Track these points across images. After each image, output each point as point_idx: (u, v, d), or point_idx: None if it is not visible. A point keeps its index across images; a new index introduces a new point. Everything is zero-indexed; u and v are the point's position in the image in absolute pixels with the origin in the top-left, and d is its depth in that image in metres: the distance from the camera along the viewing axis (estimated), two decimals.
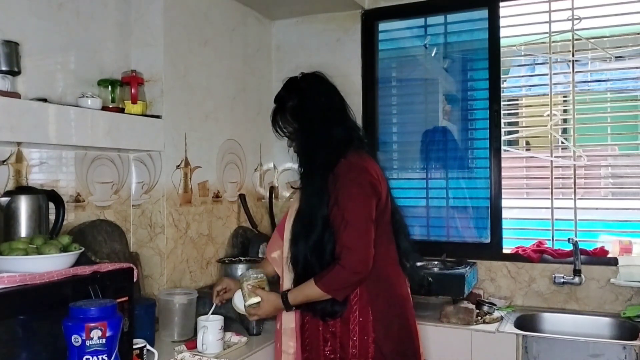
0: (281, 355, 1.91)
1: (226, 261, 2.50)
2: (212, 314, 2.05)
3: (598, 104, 2.97)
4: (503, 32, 2.91)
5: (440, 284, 2.56)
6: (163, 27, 2.35)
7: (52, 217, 1.86)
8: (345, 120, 1.89)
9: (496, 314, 2.59)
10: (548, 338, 2.36)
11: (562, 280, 2.70)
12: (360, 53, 3.11)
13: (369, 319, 1.77)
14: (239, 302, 1.91)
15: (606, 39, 2.88)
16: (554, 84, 2.91)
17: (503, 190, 2.92)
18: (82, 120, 1.92)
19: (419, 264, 2.72)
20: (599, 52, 2.84)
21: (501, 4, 2.89)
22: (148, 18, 2.36)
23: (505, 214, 2.93)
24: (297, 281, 1.81)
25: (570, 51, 2.88)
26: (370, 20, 3.14)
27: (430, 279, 2.54)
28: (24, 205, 1.75)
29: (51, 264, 1.46)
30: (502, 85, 2.94)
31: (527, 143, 3.42)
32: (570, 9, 2.85)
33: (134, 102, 2.17)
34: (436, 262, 2.82)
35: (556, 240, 2.88)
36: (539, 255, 2.80)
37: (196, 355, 1.90)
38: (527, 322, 2.62)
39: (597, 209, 2.87)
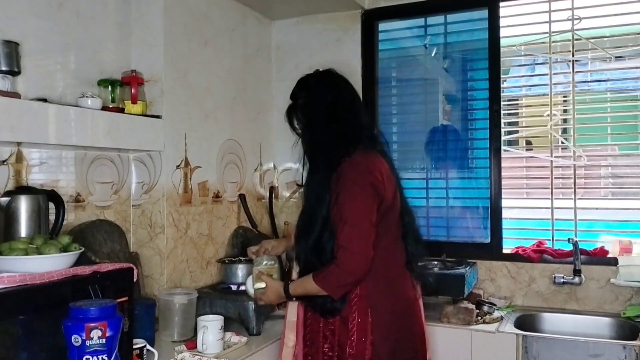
0: (282, 347, 1.93)
1: (226, 261, 2.50)
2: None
3: (598, 104, 2.97)
4: (503, 32, 2.91)
5: (440, 284, 2.55)
6: (163, 27, 2.35)
7: (52, 217, 1.86)
8: (354, 118, 1.87)
9: (496, 314, 2.59)
10: (548, 338, 2.36)
11: (562, 280, 2.70)
12: (360, 53, 3.11)
13: (368, 320, 1.75)
14: (249, 286, 1.98)
15: (606, 39, 2.88)
16: (554, 84, 2.91)
17: (503, 190, 2.92)
18: (82, 120, 1.92)
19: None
20: (599, 52, 2.84)
21: (501, 4, 2.89)
22: (148, 18, 2.36)
23: (505, 214, 2.93)
24: (300, 276, 1.84)
25: (570, 51, 2.88)
26: (370, 20, 3.14)
27: (430, 279, 2.54)
28: (24, 205, 1.75)
29: (51, 264, 1.46)
30: (502, 85, 2.94)
31: (529, 143, 3.42)
32: (570, 9, 2.85)
33: (134, 102, 2.17)
34: (436, 262, 2.82)
35: (556, 240, 2.88)
36: (539, 255, 2.80)
37: (196, 355, 1.90)
38: (527, 322, 2.62)
39: (597, 209, 2.87)
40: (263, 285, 1.92)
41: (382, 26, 3.19)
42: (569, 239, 2.70)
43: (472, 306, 2.52)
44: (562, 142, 2.91)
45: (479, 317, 2.53)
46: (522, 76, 3.22)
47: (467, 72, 3.17)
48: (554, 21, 2.89)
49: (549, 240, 2.89)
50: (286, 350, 1.91)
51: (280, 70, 3.24)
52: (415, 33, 3.22)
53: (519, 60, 3.18)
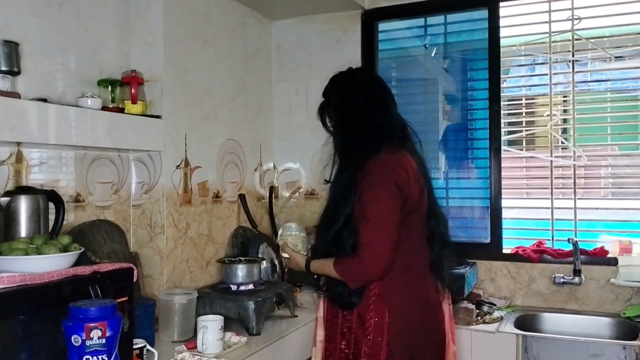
0: (315, 342, 1.94)
1: (226, 261, 2.50)
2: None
3: (598, 104, 2.97)
4: (503, 32, 2.91)
5: None
6: (163, 27, 2.35)
7: (52, 217, 1.86)
8: (386, 117, 1.86)
9: (496, 314, 2.59)
10: (548, 338, 2.36)
11: (562, 280, 2.70)
12: (360, 53, 3.11)
13: (385, 320, 1.72)
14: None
15: (606, 39, 2.89)
16: (554, 84, 2.91)
17: (503, 190, 2.92)
18: (82, 120, 1.92)
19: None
20: (599, 52, 2.85)
21: (501, 4, 2.89)
22: (148, 18, 2.36)
23: (505, 214, 2.93)
24: None
25: (570, 51, 2.88)
26: (370, 20, 3.14)
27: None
28: (24, 205, 1.75)
29: (51, 264, 1.46)
30: (502, 85, 2.94)
31: (532, 143, 3.42)
32: (570, 9, 2.85)
33: (134, 102, 2.17)
34: None
35: (556, 240, 2.88)
36: (539, 255, 2.80)
37: (196, 355, 1.90)
38: (527, 322, 2.62)
39: (597, 209, 2.88)
40: (286, 256, 2.01)
41: (382, 26, 3.19)
42: (569, 239, 2.70)
43: (472, 306, 2.52)
44: (562, 142, 2.91)
45: (479, 317, 2.53)
46: (522, 76, 3.22)
47: (467, 72, 3.17)
48: (554, 21, 2.89)
49: (549, 240, 2.89)
50: (318, 346, 1.91)
51: (280, 70, 3.24)
52: (415, 33, 3.23)
53: (519, 60, 3.18)
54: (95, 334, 1.30)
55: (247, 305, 2.23)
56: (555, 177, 2.91)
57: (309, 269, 1.88)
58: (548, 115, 2.89)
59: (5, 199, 1.74)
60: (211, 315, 2.10)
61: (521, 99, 3.18)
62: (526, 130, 3.03)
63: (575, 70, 2.87)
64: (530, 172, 3.11)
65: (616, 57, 2.84)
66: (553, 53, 2.89)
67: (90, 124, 1.95)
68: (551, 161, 2.89)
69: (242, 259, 2.53)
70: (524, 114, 3.13)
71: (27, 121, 1.73)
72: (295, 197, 3.22)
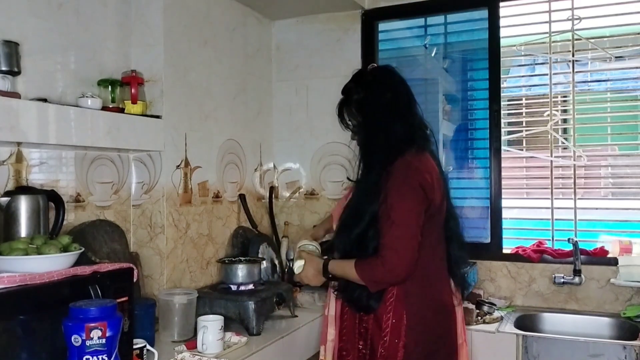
0: (325, 341, 1.93)
1: (226, 261, 2.50)
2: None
3: (598, 104, 2.97)
4: (503, 32, 2.91)
5: None
6: (163, 27, 2.35)
7: (52, 217, 1.86)
8: (411, 117, 1.85)
9: (496, 314, 2.59)
10: (548, 338, 2.36)
11: (562, 280, 2.70)
12: (360, 53, 3.11)
13: (403, 322, 1.72)
14: (295, 268, 2.02)
15: (606, 39, 2.89)
16: (554, 84, 2.91)
17: (503, 190, 2.92)
18: (82, 120, 1.92)
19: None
20: (599, 52, 2.85)
21: (501, 4, 2.89)
22: (148, 18, 2.36)
23: (505, 214, 2.93)
24: None
25: (570, 51, 2.88)
26: (370, 20, 3.14)
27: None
28: (24, 205, 1.75)
29: (51, 264, 1.46)
30: (502, 85, 2.94)
31: (532, 143, 3.42)
32: (570, 9, 2.85)
33: (134, 102, 2.17)
34: None
35: (556, 240, 2.88)
36: (539, 255, 2.80)
37: (196, 355, 1.90)
38: (527, 322, 2.62)
39: (597, 209, 2.88)
40: (302, 262, 1.94)
41: (382, 26, 3.19)
42: (569, 239, 2.70)
43: (472, 306, 2.52)
44: (562, 142, 2.91)
45: (479, 317, 2.53)
46: (522, 76, 3.23)
47: (467, 72, 3.17)
48: (554, 21, 2.89)
49: (549, 240, 2.89)
50: (328, 345, 1.91)
51: (280, 70, 3.24)
52: (415, 33, 3.23)
53: (519, 60, 3.18)
54: (95, 334, 1.30)
55: (247, 305, 2.23)
56: (555, 177, 2.91)
57: (327, 270, 1.84)
58: (548, 115, 2.89)
59: (5, 199, 1.74)
60: (211, 315, 2.10)
61: (521, 99, 3.18)
62: (526, 130, 3.03)
63: (575, 70, 2.87)
64: (530, 172, 3.11)
65: (616, 57, 2.84)
66: (553, 53, 2.89)
67: (90, 124, 1.95)
68: (551, 161, 2.89)
69: (242, 259, 2.52)
70: (524, 114, 3.13)
71: (27, 121, 1.73)
72: (295, 197, 3.22)
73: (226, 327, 2.08)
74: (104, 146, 2.04)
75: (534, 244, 2.88)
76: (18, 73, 1.82)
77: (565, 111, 3.18)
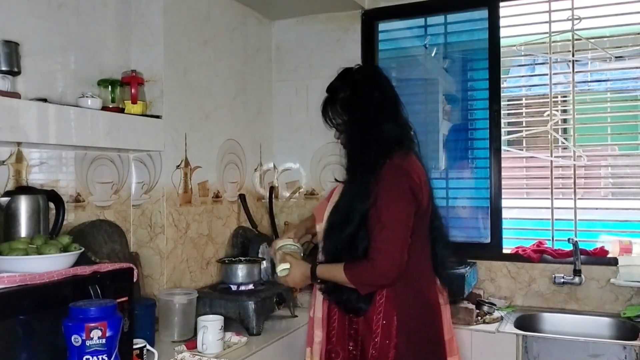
0: (311, 343, 1.92)
1: (226, 261, 2.50)
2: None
3: (598, 104, 2.97)
4: (503, 32, 2.91)
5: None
6: (163, 27, 2.35)
7: (52, 217, 1.86)
8: (397, 118, 1.84)
9: (496, 314, 2.59)
10: (548, 338, 2.36)
11: (562, 280, 2.70)
12: (360, 53, 3.10)
13: (394, 323, 1.73)
14: (279, 271, 1.93)
15: (606, 39, 2.89)
16: (554, 84, 2.91)
17: (503, 190, 2.92)
18: (82, 120, 1.92)
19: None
20: (599, 52, 2.85)
21: (501, 4, 2.89)
22: (148, 18, 2.36)
23: (505, 214, 2.93)
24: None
25: (570, 51, 2.88)
26: (370, 20, 3.14)
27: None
28: (24, 205, 1.75)
29: (51, 264, 1.46)
30: (502, 85, 2.94)
31: (532, 143, 3.42)
32: (570, 9, 2.85)
33: (134, 102, 2.17)
34: None
35: (556, 240, 2.88)
36: (539, 255, 2.80)
37: (196, 355, 1.90)
38: (527, 322, 2.62)
39: (597, 209, 2.88)
40: (287, 266, 1.88)
41: (382, 26, 3.19)
42: (569, 239, 2.70)
43: (472, 306, 2.52)
44: (562, 142, 2.91)
45: (479, 317, 2.53)
46: (522, 76, 3.23)
47: (467, 72, 3.17)
48: (554, 21, 2.89)
49: (549, 240, 2.89)
50: (315, 347, 1.90)
51: (280, 70, 3.24)
52: (415, 33, 3.23)
53: (519, 60, 3.18)
54: (95, 334, 1.30)
55: (247, 305, 2.23)
56: (555, 177, 2.91)
57: (315, 275, 1.81)
58: (548, 115, 2.89)
59: (5, 199, 1.74)
60: (211, 315, 2.10)
61: (521, 99, 3.18)
62: (526, 130, 3.03)
63: (575, 70, 2.87)
64: (530, 172, 3.11)
65: (616, 57, 2.84)
66: (553, 53, 2.89)
67: (90, 124, 1.95)
68: (551, 161, 2.89)
69: (242, 259, 2.53)
70: (524, 114, 3.13)
71: (27, 121, 1.73)
72: (295, 197, 3.22)
73: (226, 327, 2.08)
74: (104, 146, 2.04)
75: (534, 244, 2.88)
76: (18, 73, 1.82)
77: (565, 111, 3.18)
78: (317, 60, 3.17)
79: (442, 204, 3.10)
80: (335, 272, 1.74)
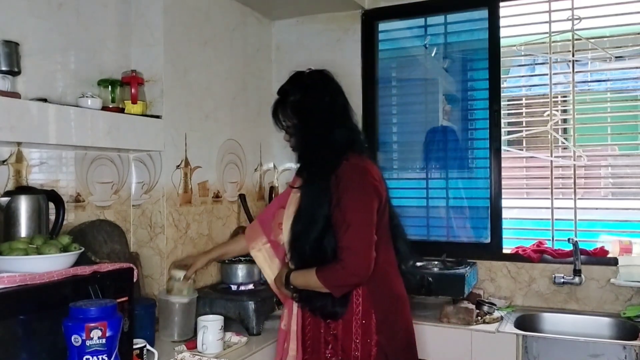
0: (282, 355, 1.91)
1: (226, 261, 2.50)
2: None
3: (598, 104, 2.97)
4: (503, 32, 2.91)
5: (440, 284, 2.55)
6: (163, 27, 2.35)
7: (52, 217, 1.86)
8: (347, 121, 1.87)
9: (496, 314, 2.59)
10: (548, 338, 2.36)
11: (562, 280, 2.70)
12: (360, 53, 3.11)
13: (372, 321, 1.76)
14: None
15: (606, 39, 2.88)
16: (554, 84, 2.91)
17: (503, 190, 2.92)
18: (82, 120, 1.92)
19: (418, 264, 2.74)
20: (599, 52, 2.84)
21: (501, 4, 2.89)
22: (148, 18, 2.36)
23: (505, 214, 2.93)
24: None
25: (570, 51, 2.88)
26: (370, 20, 3.14)
27: (430, 279, 2.54)
28: (24, 205, 1.75)
29: (51, 264, 1.46)
30: (502, 85, 2.94)
31: (532, 143, 3.42)
32: (570, 9, 2.85)
33: (134, 102, 2.17)
34: (436, 262, 2.82)
35: (556, 240, 2.88)
36: (539, 255, 2.80)
37: (196, 355, 1.90)
38: (527, 322, 2.62)
39: (597, 209, 2.88)
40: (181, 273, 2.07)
41: (382, 26, 3.19)
42: (569, 239, 2.70)
43: (472, 306, 2.52)
44: (562, 142, 2.91)
45: (479, 317, 2.53)
46: (522, 76, 3.23)
47: (467, 72, 3.17)
48: (554, 21, 2.89)
49: (549, 240, 2.89)
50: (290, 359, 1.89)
51: (280, 70, 3.23)
52: (415, 33, 3.22)
53: (519, 60, 3.18)
54: (95, 334, 1.30)
55: (247, 305, 2.23)
56: (555, 177, 2.90)
57: (288, 282, 1.80)
58: (548, 115, 2.89)
59: (5, 199, 1.74)
60: (211, 315, 2.10)
61: (521, 99, 3.18)
62: (526, 130, 3.03)
63: (575, 70, 2.87)
64: (530, 172, 3.11)
65: (616, 57, 2.84)
66: (553, 53, 2.89)
67: (90, 124, 1.95)
68: (551, 161, 2.89)
69: (242, 259, 2.52)
70: (524, 114, 3.13)
71: (27, 121, 1.73)
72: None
73: (226, 327, 2.08)
74: (104, 146, 2.04)
75: (534, 244, 2.88)
76: (18, 73, 1.82)
77: (565, 111, 3.17)
78: (317, 61, 3.13)
79: (442, 204, 3.11)
80: (308, 278, 1.74)
